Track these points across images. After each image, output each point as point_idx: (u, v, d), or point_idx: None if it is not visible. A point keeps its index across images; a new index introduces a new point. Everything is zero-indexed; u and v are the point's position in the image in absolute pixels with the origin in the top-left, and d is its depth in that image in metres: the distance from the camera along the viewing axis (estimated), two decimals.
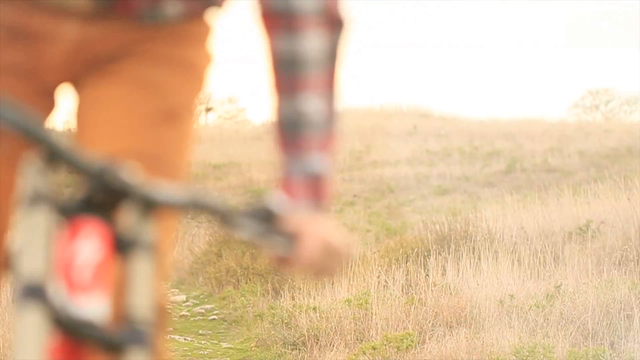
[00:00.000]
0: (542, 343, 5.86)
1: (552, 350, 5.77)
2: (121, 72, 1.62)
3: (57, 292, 1.16)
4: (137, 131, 1.59)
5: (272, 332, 6.99)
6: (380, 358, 6.00)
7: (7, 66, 1.59)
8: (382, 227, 12.70)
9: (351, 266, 8.10)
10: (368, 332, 6.66)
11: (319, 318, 6.92)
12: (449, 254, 8.25)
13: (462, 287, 7.39)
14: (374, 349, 6.03)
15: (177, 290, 9.32)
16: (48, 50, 1.61)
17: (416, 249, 8.47)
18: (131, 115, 1.60)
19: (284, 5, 1.57)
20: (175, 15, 1.63)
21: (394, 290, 7.32)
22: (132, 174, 1.22)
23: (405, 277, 7.76)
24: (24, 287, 1.15)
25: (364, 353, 6.04)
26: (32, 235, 1.17)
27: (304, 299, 7.61)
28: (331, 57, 1.61)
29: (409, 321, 6.71)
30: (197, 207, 1.28)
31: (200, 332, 7.70)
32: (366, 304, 6.89)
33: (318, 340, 6.68)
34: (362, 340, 6.53)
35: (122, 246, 1.23)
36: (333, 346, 6.53)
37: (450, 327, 6.65)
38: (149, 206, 1.24)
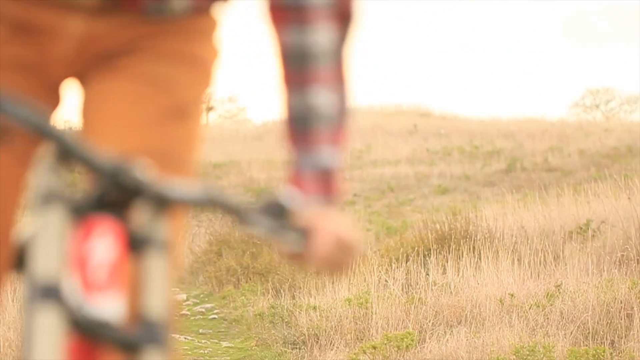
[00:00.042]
0: (542, 342, 5.86)
1: (553, 349, 5.77)
2: (128, 68, 1.60)
3: (73, 292, 1.15)
4: (146, 128, 1.57)
5: (273, 331, 6.99)
6: (380, 357, 6.00)
7: (12, 61, 1.57)
8: (382, 226, 12.70)
9: (351, 265, 8.09)
10: (368, 331, 6.66)
11: (319, 317, 6.92)
12: (449, 253, 8.24)
13: (463, 287, 7.39)
14: (374, 348, 6.03)
15: (177, 289, 9.32)
16: (54, 45, 1.59)
17: (416, 248, 8.46)
18: (140, 111, 1.58)
19: None
20: (181, 10, 1.61)
21: (394, 289, 7.32)
22: (145, 172, 1.21)
23: (405, 276, 7.76)
24: (39, 288, 1.13)
25: (364, 352, 6.03)
26: (46, 235, 1.16)
27: (304, 298, 7.61)
28: (341, 50, 1.60)
29: (409, 320, 6.71)
30: (210, 204, 1.27)
31: (200, 331, 7.70)
32: (366, 303, 6.89)
33: (318, 339, 6.68)
34: (362, 340, 6.53)
35: (135, 244, 1.22)
36: (333, 345, 6.53)
37: (451, 326, 6.66)
38: (163, 204, 1.22)
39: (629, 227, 8.47)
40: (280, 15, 1.58)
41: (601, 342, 6.14)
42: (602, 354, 5.72)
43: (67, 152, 1.18)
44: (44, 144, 1.18)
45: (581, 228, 9.05)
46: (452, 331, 6.45)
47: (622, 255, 7.95)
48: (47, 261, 1.14)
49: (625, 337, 6.19)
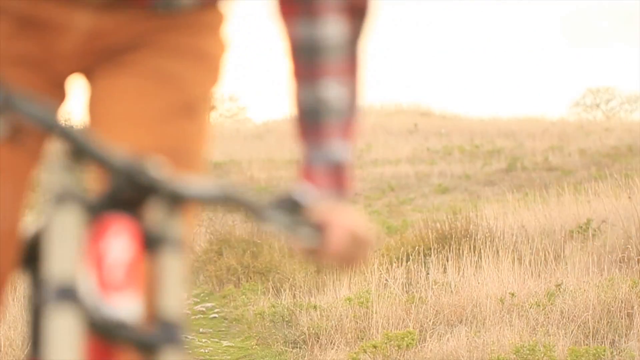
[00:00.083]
0: (542, 341, 5.86)
1: (553, 348, 5.77)
2: (136, 64, 1.58)
3: (89, 293, 1.13)
4: (155, 125, 1.56)
5: (273, 331, 6.99)
6: (381, 356, 6.00)
7: (17, 56, 1.55)
8: (382, 225, 12.70)
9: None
10: (369, 330, 6.66)
11: (319, 316, 6.92)
12: (449, 253, 8.24)
13: (463, 286, 7.39)
14: (374, 347, 6.03)
15: None
16: (60, 41, 1.57)
17: (417, 247, 8.46)
18: (148, 108, 1.56)
19: None
20: (189, 4, 1.59)
21: (394, 288, 7.32)
22: (160, 169, 1.19)
23: (406, 276, 7.76)
24: (55, 289, 1.12)
25: (365, 351, 6.03)
26: (61, 235, 1.14)
27: (304, 297, 7.61)
28: (353, 44, 1.58)
29: (409, 319, 6.71)
30: (225, 201, 1.26)
31: (201, 330, 7.69)
32: (367, 302, 6.89)
33: (319, 338, 6.68)
34: (362, 339, 6.53)
35: (150, 243, 1.20)
36: (334, 344, 6.53)
37: (451, 325, 6.65)
38: (177, 201, 1.21)
39: (630, 227, 8.47)
40: (290, 8, 1.57)
41: (602, 342, 6.14)
42: (603, 353, 5.72)
43: (81, 151, 1.16)
44: (58, 142, 1.16)
45: (582, 227, 9.05)
46: (452, 330, 6.45)
47: (623, 255, 7.95)
48: (62, 262, 1.13)
49: (626, 336, 6.19)
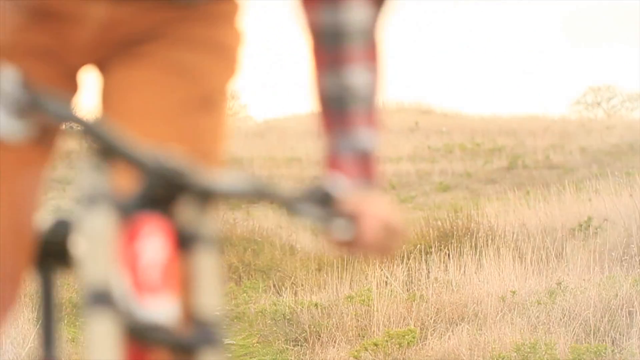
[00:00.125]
0: (543, 339, 5.86)
1: (554, 346, 5.77)
2: (152, 55, 1.55)
3: (125, 296, 1.10)
4: (172, 119, 1.52)
5: (274, 329, 6.99)
6: (382, 354, 6.00)
7: (30, 47, 1.52)
8: None
9: (352, 262, 8.10)
10: (370, 328, 6.67)
11: (320, 314, 6.92)
12: (450, 251, 8.25)
13: (464, 284, 7.39)
14: (375, 345, 6.03)
15: None
16: (74, 31, 1.53)
17: (418, 246, 8.47)
18: (165, 102, 1.53)
19: None
20: None
21: (395, 286, 7.32)
22: (190, 165, 1.16)
23: (407, 274, 7.76)
24: (91, 294, 1.08)
25: (366, 349, 6.04)
26: (94, 238, 1.10)
27: (305, 295, 7.61)
28: (374, 29, 1.55)
29: (410, 318, 6.72)
30: (257, 196, 1.22)
31: None
32: (368, 300, 6.89)
33: (320, 336, 6.68)
34: (363, 337, 6.53)
35: (184, 241, 1.16)
36: (335, 342, 6.53)
37: (452, 323, 6.65)
38: (209, 197, 1.17)
39: (631, 225, 8.48)
40: None
41: (603, 340, 6.14)
42: (604, 351, 5.72)
43: (111, 150, 1.12)
44: (86, 142, 1.12)
45: (583, 225, 9.05)
46: (453, 328, 6.45)
47: (624, 253, 7.95)
48: (97, 266, 1.09)
49: (627, 334, 6.18)
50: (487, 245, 8.20)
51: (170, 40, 1.56)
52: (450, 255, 8.13)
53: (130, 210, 1.14)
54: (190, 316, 1.16)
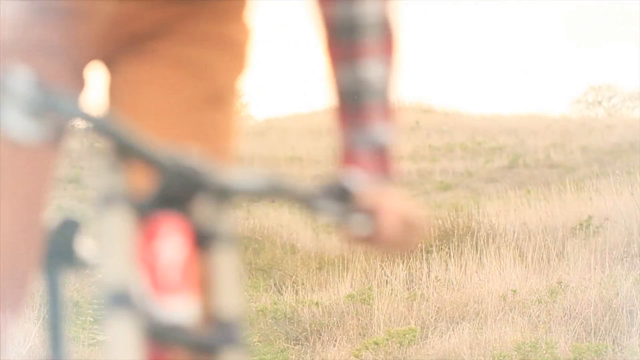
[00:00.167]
0: (544, 338, 5.86)
1: (555, 345, 5.77)
2: (160, 52, 1.53)
3: (144, 297, 1.08)
4: (182, 116, 1.51)
5: (275, 327, 6.99)
6: (382, 353, 6.00)
7: (36, 44, 1.49)
8: None
9: (353, 261, 8.10)
10: (370, 327, 6.67)
11: (321, 313, 6.92)
12: (451, 250, 8.25)
13: (465, 283, 7.39)
14: (376, 344, 6.03)
15: None
16: (81, 27, 1.51)
17: (419, 244, 8.47)
18: (174, 99, 1.51)
19: None
20: None
21: (396, 285, 7.32)
22: (206, 163, 1.14)
23: (407, 272, 7.76)
24: (110, 295, 1.07)
25: (367, 348, 6.04)
26: (112, 240, 1.08)
27: (306, 294, 7.61)
28: (389, 22, 1.54)
29: (411, 316, 6.72)
30: (274, 193, 1.21)
31: None
32: (369, 299, 6.89)
33: (320, 335, 6.68)
34: (364, 336, 6.53)
35: (202, 240, 1.15)
36: (335, 341, 6.53)
37: (453, 322, 6.65)
38: (226, 195, 1.15)
39: (632, 224, 8.47)
40: None
41: (603, 339, 6.13)
42: (605, 350, 5.71)
43: (127, 149, 1.10)
44: (102, 141, 1.10)
45: (583, 224, 9.05)
46: (454, 327, 6.45)
47: (625, 252, 7.95)
48: (115, 268, 1.07)
49: (628, 333, 6.18)
50: (488, 244, 8.20)
51: (178, 36, 1.54)
52: (451, 254, 8.13)
53: (148, 210, 1.12)
54: (210, 316, 1.15)
